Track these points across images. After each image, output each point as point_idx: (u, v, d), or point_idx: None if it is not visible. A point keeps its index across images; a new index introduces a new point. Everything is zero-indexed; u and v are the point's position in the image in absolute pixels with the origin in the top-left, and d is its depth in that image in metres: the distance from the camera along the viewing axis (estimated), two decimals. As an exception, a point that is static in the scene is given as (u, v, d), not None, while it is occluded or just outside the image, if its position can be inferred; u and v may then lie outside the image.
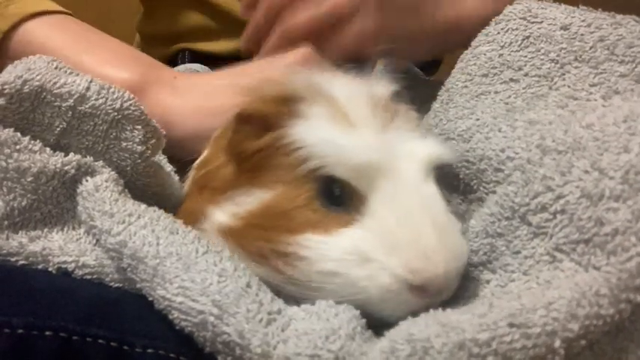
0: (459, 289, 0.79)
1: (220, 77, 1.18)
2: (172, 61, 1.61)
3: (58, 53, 1.09)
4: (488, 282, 0.78)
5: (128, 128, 0.91)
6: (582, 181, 0.70)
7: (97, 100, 0.89)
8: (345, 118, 0.80)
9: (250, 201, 0.82)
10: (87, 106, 0.88)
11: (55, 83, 0.87)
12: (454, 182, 0.91)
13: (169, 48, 1.65)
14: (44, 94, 0.87)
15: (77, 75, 0.90)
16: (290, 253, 0.76)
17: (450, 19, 1.22)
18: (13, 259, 0.79)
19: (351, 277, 0.73)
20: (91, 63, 1.11)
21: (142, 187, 0.96)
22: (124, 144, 0.91)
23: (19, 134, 0.84)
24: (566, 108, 0.82)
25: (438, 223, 0.75)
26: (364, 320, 0.70)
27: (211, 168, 0.92)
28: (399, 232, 0.74)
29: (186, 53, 1.63)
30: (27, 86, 0.86)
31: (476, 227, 0.80)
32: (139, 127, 0.92)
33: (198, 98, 1.12)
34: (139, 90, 1.09)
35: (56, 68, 0.90)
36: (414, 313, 0.69)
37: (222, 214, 0.83)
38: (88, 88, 0.89)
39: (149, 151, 0.94)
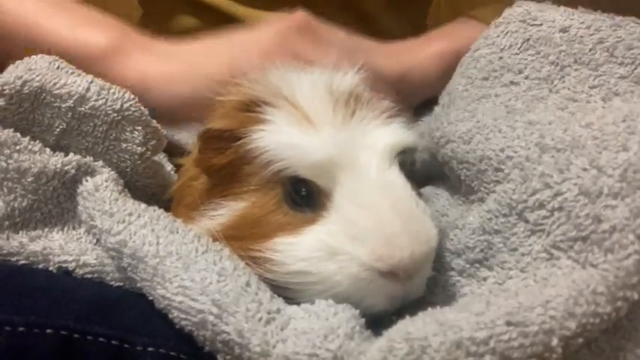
0: (455, 286, 0.80)
1: (205, 44, 1.16)
2: None
3: (31, 19, 1.11)
4: (485, 279, 0.78)
5: (128, 129, 0.92)
6: (580, 178, 0.70)
7: (96, 100, 0.89)
8: (305, 119, 0.81)
9: (223, 214, 0.84)
10: (87, 107, 0.89)
11: (55, 84, 0.88)
12: (456, 184, 0.91)
13: None
14: (44, 94, 0.87)
15: (78, 75, 0.90)
16: (264, 259, 0.78)
17: (400, 70, 1.22)
18: (13, 259, 0.80)
19: (322, 274, 0.75)
20: (64, 27, 1.10)
21: (142, 188, 0.96)
22: (124, 145, 0.92)
23: (18, 135, 0.84)
24: (566, 110, 0.82)
25: (401, 209, 0.77)
26: (363, 320, 0.71)
27: (185, 179, 0.94)
28: (362, 222, 0.75)
29: None
30: (27, 87, 0.86)
31: (473, 224, 0.80)
32: (139, 127, 0.92)
33: (181, 64, 1.10)
34: (112, 53, 1.08)
35: (58, 68, 0.90)
36: (412, 312, 0.69)
37: (199, 230, 0.84)
38: (88, 89, 0.89)
39: (149, 152, 0.94)
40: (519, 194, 0.75)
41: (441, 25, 1.37)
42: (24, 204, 0.83)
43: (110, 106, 0.90)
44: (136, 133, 0.92)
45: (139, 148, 0.93)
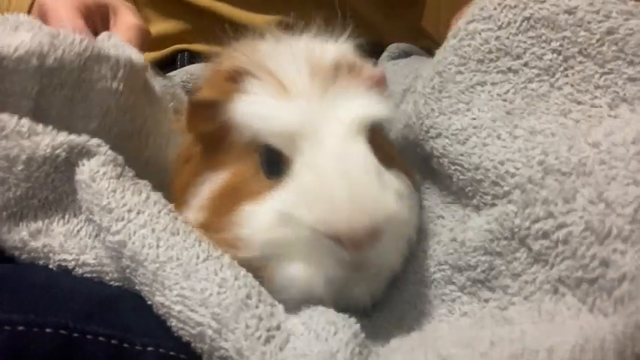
0: (456, 302, 0.80)
1: None
2: (171, 62, 1.63)
3: None
4: (487, 301, 0.76)
5: (95, 69, 0.92)
6: (587, 212, 0.66)
7: (56, 51, 0.88)
8: (282, 89, 0.82)
9: (209, 186, 0.85)
10: (50, 61, 0.88)
11: (9, 45, 0.86)
12: (446, 180, 0.89)
13: (165, 49, 1.66)
14: (5, 62, 0.85)
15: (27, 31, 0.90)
16: (233, 236, 0.80)
17: None
18: (16, 253, 0.81)
19: (281, 241, 0.77)
20: None
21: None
22: (99, 85, 0.93)
23: (4, 118, 0.82)
24: (569, 115, 0.78)
25: (354, 179, 0.77)
26: (363, 335, 0.72)
27: (187, 144, 0.96)
28: (314, 189, 0.77)
29: (185, 54, 1.64)
30: None
31: (474, 241, 0.78)
32: (104, 63, 0.93)
33: None
34: None
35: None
36: (411, 323, 0.70)
37: (191, 212, 0.86)
38: (40, 43, 0.87)
39: (122, 84, 0.95)
40: (521, 220, 0.72)
41: (440, 28, 1.33)
42: (18, 193, 0.82)
43: (69, 52, 0.89)
44: (104, 69, 0.93)
45: (114, 84, 0.94)
